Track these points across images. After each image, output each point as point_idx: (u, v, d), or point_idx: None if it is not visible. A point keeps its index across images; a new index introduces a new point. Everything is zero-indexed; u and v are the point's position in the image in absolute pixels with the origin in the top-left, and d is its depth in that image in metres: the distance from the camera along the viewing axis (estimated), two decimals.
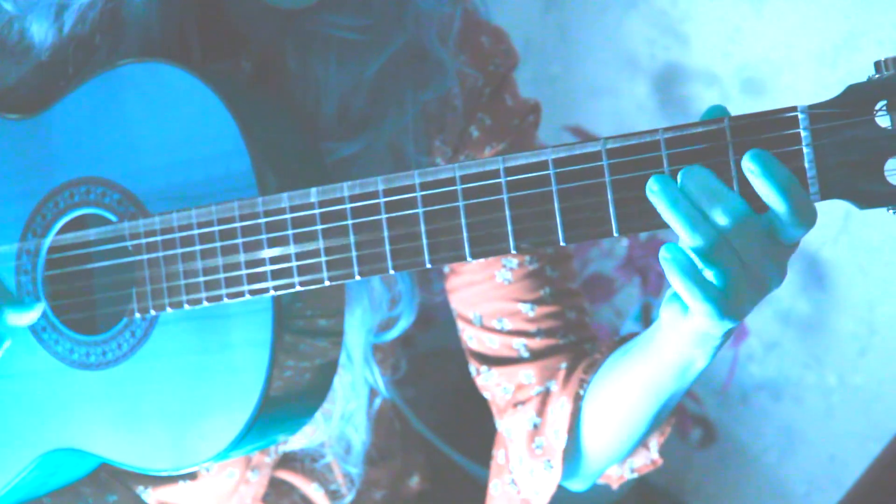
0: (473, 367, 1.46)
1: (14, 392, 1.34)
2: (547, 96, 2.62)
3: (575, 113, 2.60)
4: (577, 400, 1.37)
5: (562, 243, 1.08)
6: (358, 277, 1.15)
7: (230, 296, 1.20)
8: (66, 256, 1.31)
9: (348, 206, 1.15)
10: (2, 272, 1.33)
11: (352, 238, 1.15)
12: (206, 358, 1.24)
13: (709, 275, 1.05)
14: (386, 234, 1.14)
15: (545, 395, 1.41)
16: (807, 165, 1.02)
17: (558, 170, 1.08)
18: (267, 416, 1.22)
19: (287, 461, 1.50)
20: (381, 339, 1.48)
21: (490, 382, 1.45)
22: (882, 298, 2.34)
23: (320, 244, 1.16)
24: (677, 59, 2.48)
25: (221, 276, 1.20)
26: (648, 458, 1.42)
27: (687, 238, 1.04)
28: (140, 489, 1.47)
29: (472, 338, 1.45)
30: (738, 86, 2.42)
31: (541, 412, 1.40)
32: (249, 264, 1.19)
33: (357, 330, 1.42)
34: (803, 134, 1.01)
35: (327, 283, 1.17)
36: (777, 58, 2.36)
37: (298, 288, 1.18)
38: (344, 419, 1.47)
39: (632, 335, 1.33)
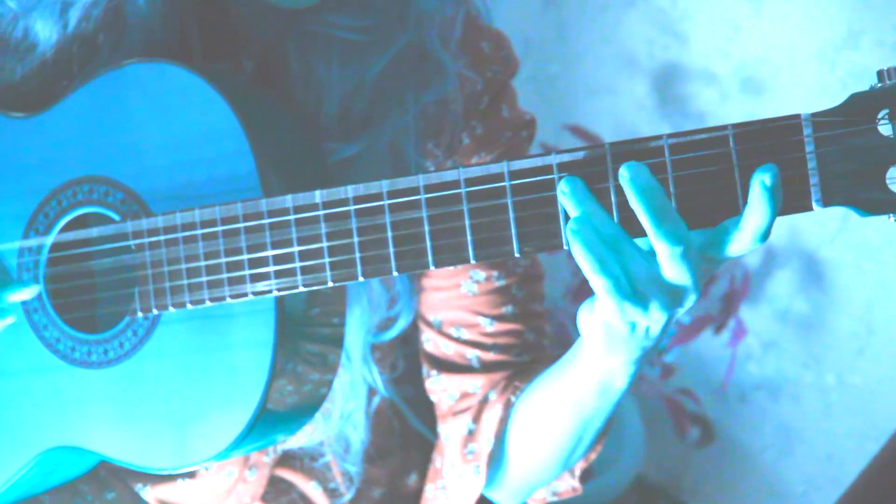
0: (425, 369, 1.48)
1: (14, 389, 1.33)
2: (546, 95, 2.63)
3: (574, 112, 2.60)
4: (508, 406, 1.40)
5: (565, 247, 1.08)
6: (361, 279, 1.15)
7: (233, 296, 1.20)
8: (68, 254, 1.31)
9: (352, 207, 1.15)
10: (2, 265, 1.33)
11: (355, 239, 1.15)
12: (208, 357, 1.24)
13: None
14: (390, 236, 1.14)
15: (484, 402, 1.43)
16: (810, 173, 1.02)
17: (562, 174, 1.08)
18: (268, 416, 1.23)
19: (286, 460, 1.50)
20: (380, 338, 1.48)
21: (438, 387, 1.47)
22: (880, 298, 2.35)
23: (324, 245, 1.16)
24: (676, 59, 2.48)
25: (224, 275, 1.20)
26: (570, 485, 1.46)
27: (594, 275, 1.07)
28: (138, 487, 1.47)
29: (428, 340, 1.47)
30: (738, 85, 2.42)
31: (477, 419, 1.43)
32: (253, 264, 1.19)
33: (356, 329, 1.43)
34: (806, 141, 1.02)
35: (330, 285, 1.17)
36: (776, 57, 2.37)
37: (301, 289, 1.18)
38: (343, 418, 1.47)
39: None
